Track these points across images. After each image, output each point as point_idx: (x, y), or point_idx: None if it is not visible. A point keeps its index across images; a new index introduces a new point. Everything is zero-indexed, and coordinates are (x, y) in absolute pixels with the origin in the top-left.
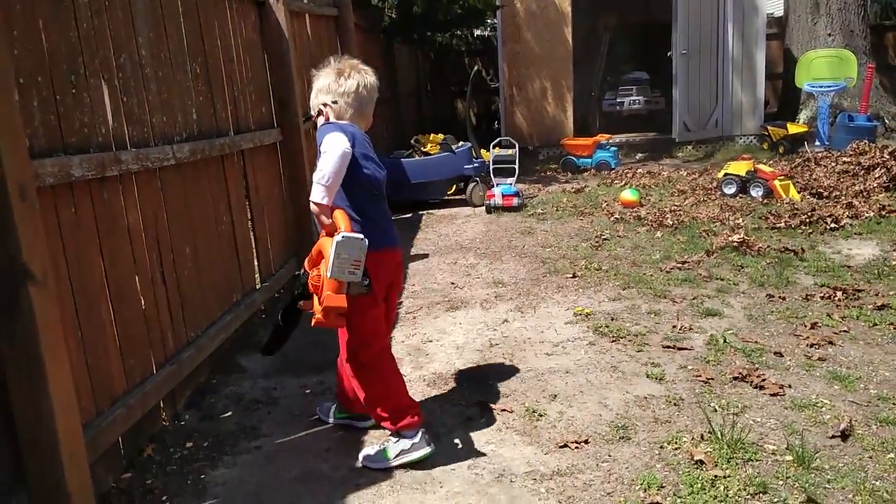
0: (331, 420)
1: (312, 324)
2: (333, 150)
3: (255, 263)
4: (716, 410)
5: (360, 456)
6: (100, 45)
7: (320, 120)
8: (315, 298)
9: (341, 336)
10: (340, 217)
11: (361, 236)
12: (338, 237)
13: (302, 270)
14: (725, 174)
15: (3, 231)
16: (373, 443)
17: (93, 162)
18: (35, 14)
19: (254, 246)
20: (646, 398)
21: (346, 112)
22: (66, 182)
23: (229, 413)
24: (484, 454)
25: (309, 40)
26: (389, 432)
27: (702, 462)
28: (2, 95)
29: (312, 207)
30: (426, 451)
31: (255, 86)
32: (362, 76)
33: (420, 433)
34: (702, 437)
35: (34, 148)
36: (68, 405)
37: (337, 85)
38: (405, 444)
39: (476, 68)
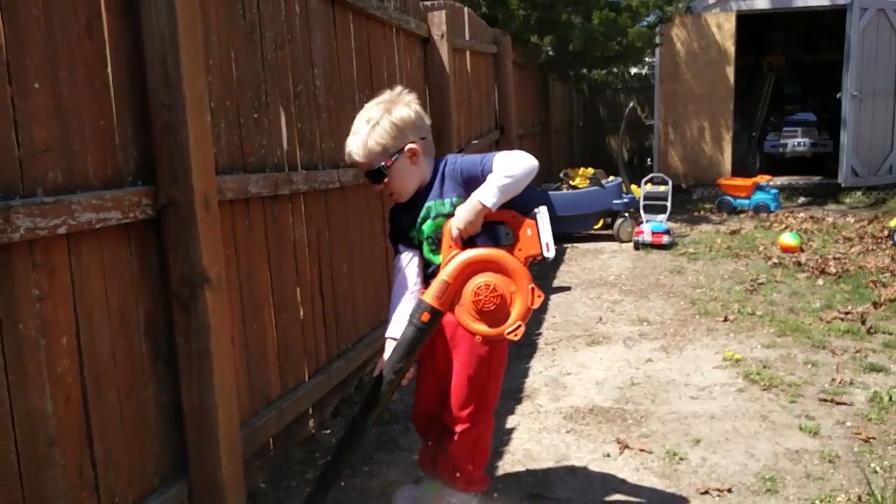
0: None
1: (518, 336)
2: (531, 160)
3: None
4: (876, 472)
5: None
6: (281, 75)
7: (403, 161)
8: (483, 316)
9: (458, 401)
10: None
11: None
12: (538, 210)
13: (426, 318)
14: None
15: (188, 237)
16: None
17: (268, 181)
18: (228, 45)
19: None
20: (797, 452)
21: (430, 147)
22: (244, 198)
23: None
24: (620, 494)
25: (468, 75)
26: (470, 494)
27: None
28: (197, 117)
29: (476, 206)
30: None
31: None
32: None
33: None
34: (859, 498)
35: (218, 165)
36: (229, 400)
37: (423, 119)
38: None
39: (631, 104)
